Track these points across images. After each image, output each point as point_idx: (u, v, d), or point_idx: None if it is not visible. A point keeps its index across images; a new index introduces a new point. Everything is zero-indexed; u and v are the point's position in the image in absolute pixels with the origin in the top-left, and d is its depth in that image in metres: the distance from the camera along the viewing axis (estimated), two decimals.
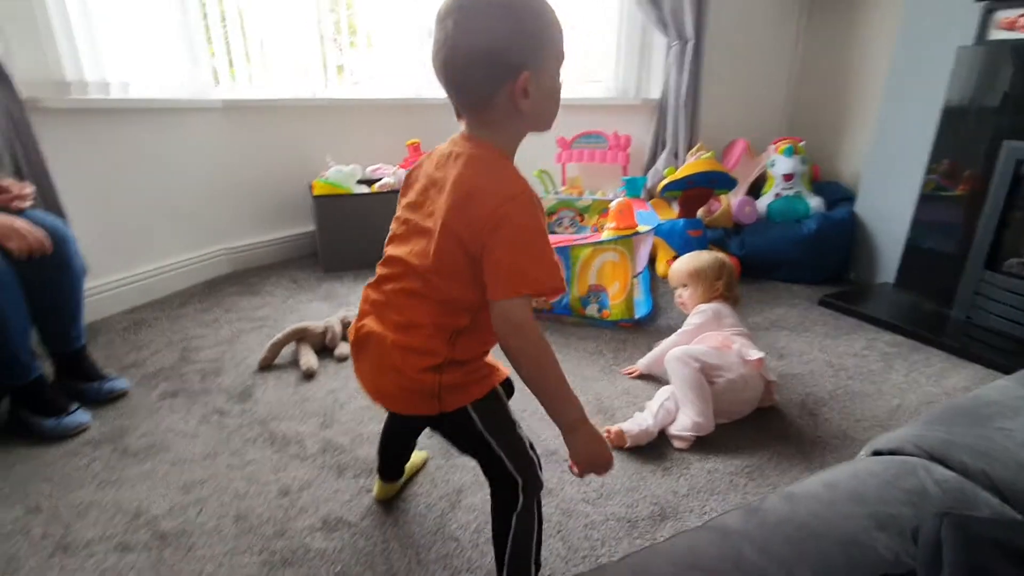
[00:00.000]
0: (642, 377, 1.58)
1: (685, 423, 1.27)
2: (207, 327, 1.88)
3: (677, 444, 1.27)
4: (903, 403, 1.48)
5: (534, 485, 0.82)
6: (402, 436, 1.07)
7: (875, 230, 2.29)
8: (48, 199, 1.68)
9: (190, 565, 0.95)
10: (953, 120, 1.94)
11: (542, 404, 0.72)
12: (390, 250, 0.80)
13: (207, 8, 2.24)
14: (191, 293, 2.18)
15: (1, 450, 1.24)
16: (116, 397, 1.45)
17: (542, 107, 0.72)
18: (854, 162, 2.66)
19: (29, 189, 1.34)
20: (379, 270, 0.81)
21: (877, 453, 0.66)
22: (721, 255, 1.57)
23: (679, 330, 1.51)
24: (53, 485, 1.14)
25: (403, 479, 1.13)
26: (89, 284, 1.83)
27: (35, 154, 1.66)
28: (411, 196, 0.79)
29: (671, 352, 1.36)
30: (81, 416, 1.33)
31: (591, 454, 0.72)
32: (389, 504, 1.09)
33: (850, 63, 2.65)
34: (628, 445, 1.25)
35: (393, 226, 0.82)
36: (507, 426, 0.77)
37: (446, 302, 0.73)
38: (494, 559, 0.85)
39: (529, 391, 0.73)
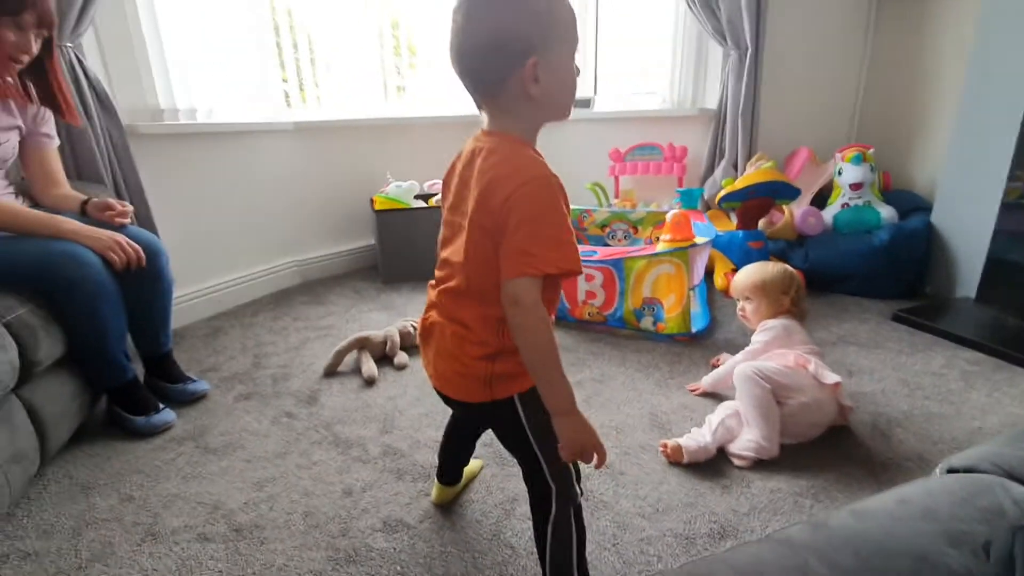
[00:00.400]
0: (704, 393, 1.54)
1: (748, 444, 1.23)
2: (277, 335, 2.00)
3: (737, 463, 1.23)
4: (984, 425, 1.37)
5: (568, 495, 0.82)
6: (462, 438, 1.10)
7: (953, 241, 2.14)
8: (143, 217, 1.85)
9: (263, 557, 1.01)
10: None
11: (537, 385, 0.73)
12: (441, 253, 0.83)
13: (280, 37, 2.41)
14: (263, 303, 2.32)
15: (100, 444, 1.37)
16: (198, 398, 1.56)
17: (554, 93, 0.73)
18: (929, 169, 2.51)
19: (130, 208, 1.49)
20: (436, 272, 0.85)
21: (952, 471, 0.63)
22: (788, 267, 1.50)
23: (746, 348, 1.44)
24: (144, 477, 1.25)
25: (460, 485, 1.16)
26: (175, 294, 1.99)
27: (133, 176, 1.84)
28: (450, 199, 0.82)
29: (740, 367, 1.30)
30: (168, 415, 1.44)
31: (577, 442, 0.73)
32: (446, 509, 1.12)
33: (923, 65, 2.52)
34: (685, 461, 1.22)
35: (442, 230, 0.85)
36: (549, 428, 0.76)
37: (484, 294, 0.74)
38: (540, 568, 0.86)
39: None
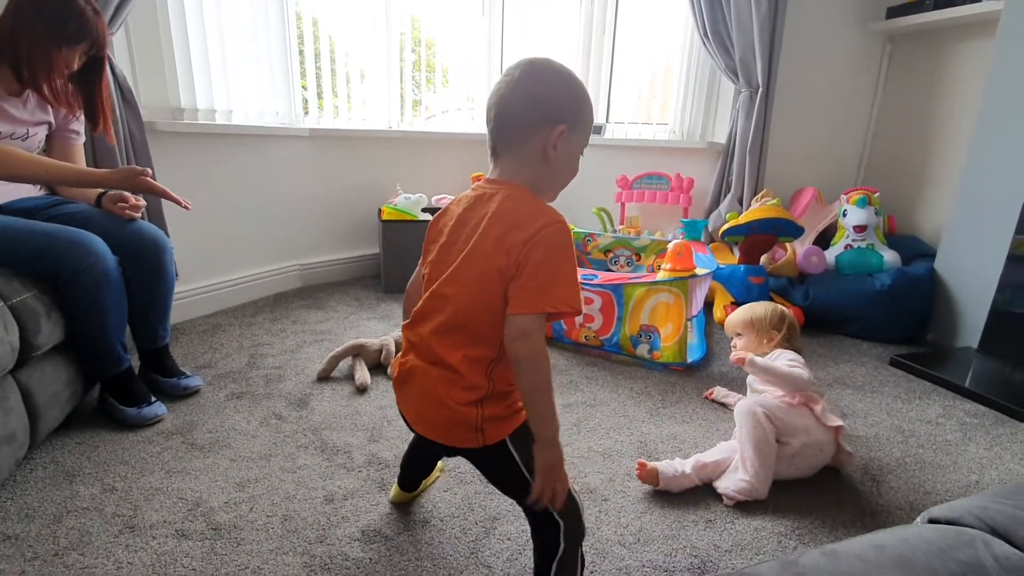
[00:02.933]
0: (691, 423, 1.53)
1: (740, 484, 1.20)
2: (275, 336, 2.01)
3: (725, 501, 1.21)
4: (982, 479, 1.35)
5: (576, 531, 0.82)
6: (429, 457, 1.13)
7: (957, 289, 2.14)
8: (155, 212, 1.88)
9: (238, 558, 1.00)
10: None
11: (529, 414, 0.76)
12: (428, 289, 0.82)
13: (303, 45, 2.47)
14: (264, 304, 2.34)
15: (89, 433, 1.37)
16: (190, 393, 1.57)
17: (563, 166, 0.82)
18: (935, 216, 2.52)
19: (142, 203, 1.52)
20: (417, 309, 0.83)
21: (934, 521, 0.62)
22: (782, 307, 1.50)
23: (791, 367, 1.30)
24: (128, 468, 1.25)
25: (419, 491, 1.19)
26: (177, 289, 2.01)
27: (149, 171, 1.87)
28: (442, 239, 0.83)
29: (744, 402, 1.27)
30: (159, 408, 1.45)
31: (553, 473, 0.75)
32: (426, 523, 1.11)
33: (933, 111, 2.54)
34: (659, 487, 1.21)
35: (425, 271, 0.85)
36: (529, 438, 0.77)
37: (480, 332, 0.77)
38: None
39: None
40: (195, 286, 2.16)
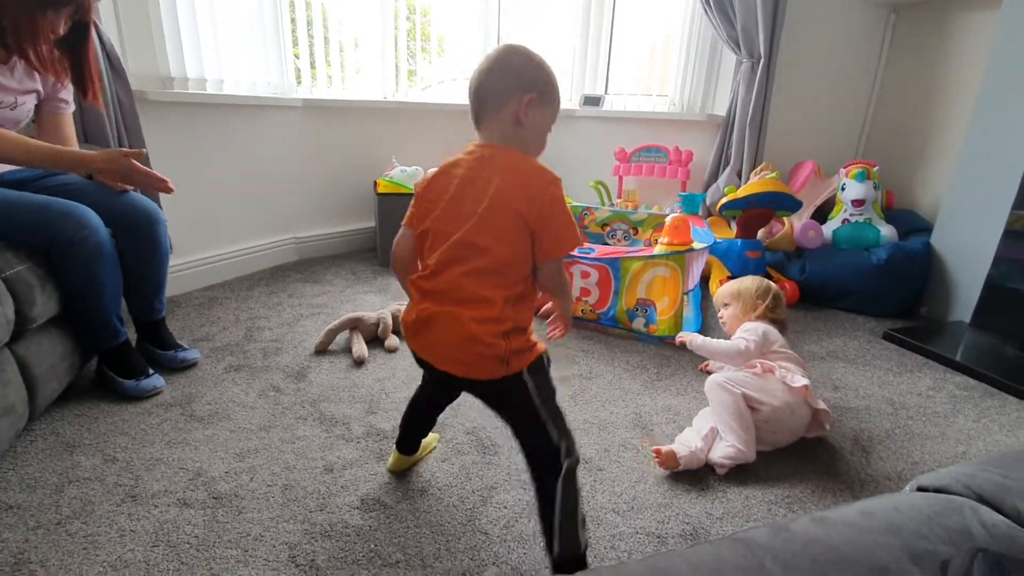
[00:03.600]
0: (686, 395, 1.55)
1: (727, 450, 1.23)
2: (271, 309, 2.01)
3: (718, 470, 1.23)
4: (969, 450, 1.38)
5: (573, 453, 0.91)
6: (430, 411, 1.16)
7: (952, 264, 2.15)
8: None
9: (240, 526, 1.02)
10: None
11: (564, 309, 1.00)
12: (440, 238, 0.89)
13: (295, 13, 2.40)
14: (259, 277, 2.33)
15: (88, 405, 1.38)
16: (188, 366, 1.57)
17: (533, 133, 0.94)
18: (933, 191, 2.51)
19: None
20: (432, 260, 0.90)
21: (922, 489, 0.63)
22: (767, 280, 1.56)
23: (735, 340, 1.43)
24: (129, 439, 1.26)
25: (417, 456, 1.20)
26: (173, 262, 2.00)
27: (139, 141, 1.84)
28: (447, 195, 0.91)
29: (710, 378, 1.33)
30: (157, 380, 1.45)
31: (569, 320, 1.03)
32: (424, 492, 1.13)
33: (936, 85, 2.51)
34: (681, 468, 1.22)
35: (428, 226, 0.92)
36: (551, 394, 0.92)
37: (506, 272, 0.87)
38: (544, 538, 0.89)
39: None
40: (190, 259, 2.15)
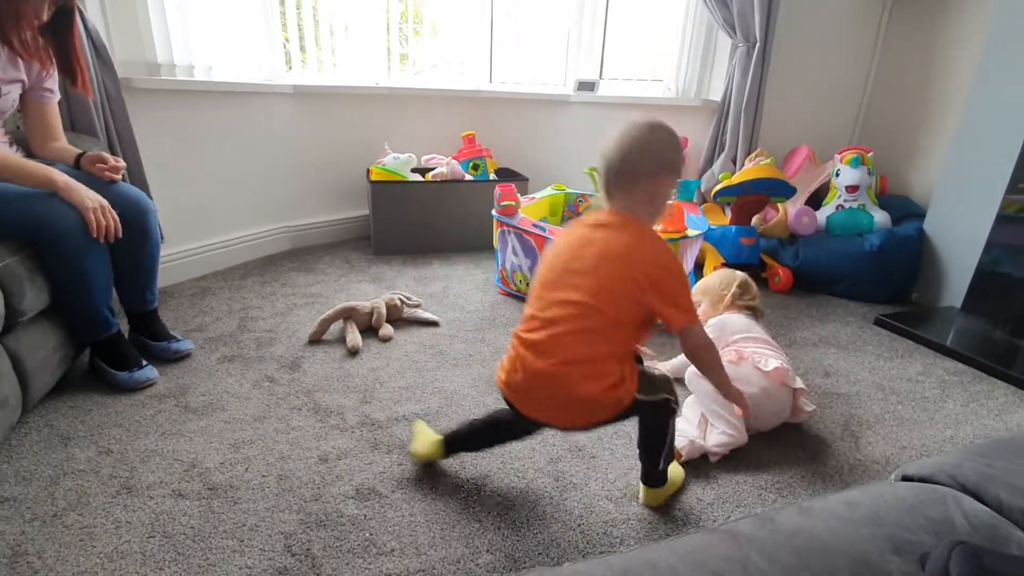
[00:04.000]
0: (680, 382, 1.56)
1: (719, 437, 1.25)
2: (265, 299, 2.00)
3: (712, 458, 1.24)
4: (957, 435, 1.40)
5: (674, 394, 1.04)
6: (512, 436, 1.16)
7: (944, 250, 2.16)
8: (135, 173, 1.83)
9: (235, 516, 1.03)
10: None
11: (713, 382, 1.06)
12: (548, 295, 0.97)
13: None
14: (252, 266, 2.32)
15: (81, 397, 1.38)
16: (181, 357, 1.57)
17: (659, 206, 1.00)
18: (927, 177, 2.51)
19: (122, 164, 1.47)
20: (537, 315, 0.96)
21: (907, 479, 0.64)
22: (734, 271, 1.59)
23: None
24: (123, 431, 1.26)
25: (446, 457, 1.18)
26: (164, 252, 1.98)
27: (126, 130, 1.81)
28: (566, 253, 0.99)
29: (689, 370, 1.34)
30: (150, 372, 1.45)
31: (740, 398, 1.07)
32: (418, 482, 1.14)
33: (931, 73, 2.49)
34: (683, 460, 1.22)
35: (547, 275, 0.99)
36: (647, 383, 0.99)
37: (617, 332, 0.94)
38: (643, 464, 1.08)
39: None
40: (181, 249, 2.13)
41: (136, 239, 1.44)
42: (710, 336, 1.40)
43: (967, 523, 0.54)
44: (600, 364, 0.92)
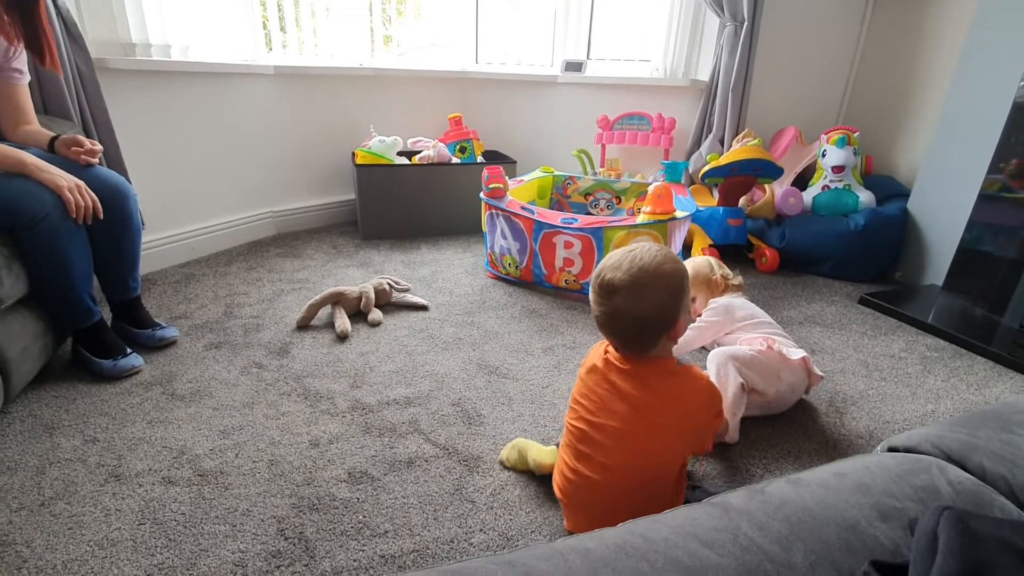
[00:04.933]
0: None
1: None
2: (251, 285, 1.97)
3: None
4: (938, 409, 1.43)
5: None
6: None
7: (928, 229, 2.19)
8: (112, 157, 1.79)
9: (227, 502, 1.03)
10: None
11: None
12: (583, 449, 0.93)
13: None
14: (237, 253, 2.29)
15: (65, 386, 1.35)
16: (166, 345, 1.55)
17: (683, 333, 0.92)
18: (912, 156, 2.53)
19: (99, 147, 1.43)
20: (572, 458, 0.95)
21: (893, 449, 0.65)
22: (700, 258, 1.61)
23: (693, 325, 1.47)
24: (109, 419, 1.24)
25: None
26: (146, 238, 1.95)
27: (101, 112, 1.76)
28: (599, 401, 0.92)
29: (718, 352, 1.28)
30: (135, 359, 1.43)
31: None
32: (410, 465, 1.14)
33: (917, 52, 2.50)
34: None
35: (580, 425, 0.94)
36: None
37: (660, 481, 0.92)
38: None
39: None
40: (164, 235, 2.09)
41: (116, 225, 1.41)
42: (713, 320, 1.44)
43: (952, 490, 0.55)
44: (649, 499, 0.91)
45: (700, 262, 1.59)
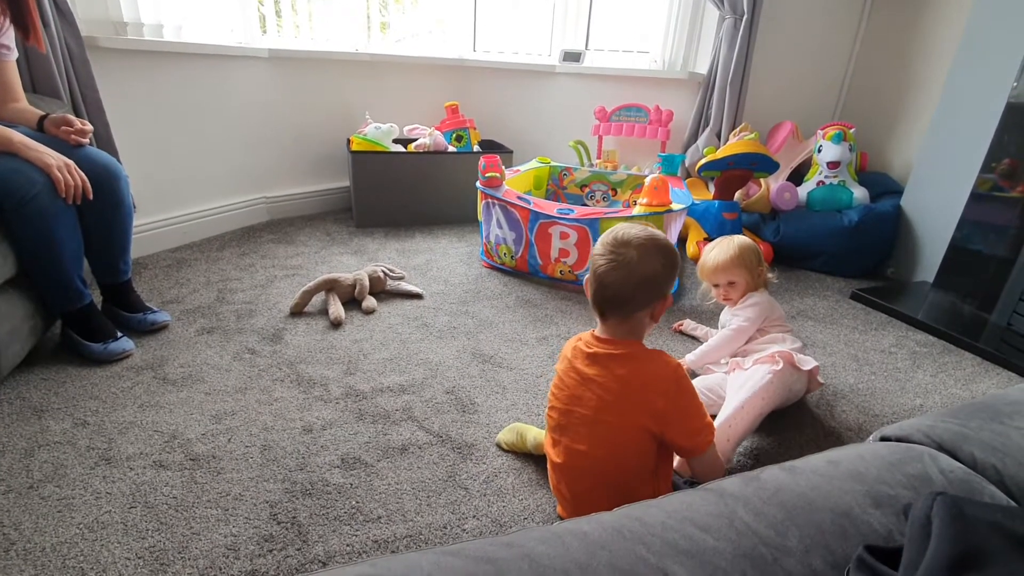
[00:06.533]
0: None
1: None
2: (243, 271, 1.96)
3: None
4: (926, 403, 1.45)
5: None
6: None
7: (920, 226, 2.20)
8: (102, 137, 1.75)
9: (219, 486, 1.02)
10: (1019, 116, 1.83)
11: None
12: (561, 438, 0.95)
13: None
14: (230, 238, 2.26)
15: (55, 368, 1.34)
16: (157, 329, 1.53)
17: (658, 316, 0.95)
18: (906, 153, 2.54)
19: (89, 127, 1.40)
20: (555, 451, 0.96)
21: (885, 439, 0.66)
22: (743, 239, 1.44)
23: (732, 327, 1.37)
24: (99, 403, 1.23)
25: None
26: (137, 222, 1.92)
27: (92, 92, 1.73)
28: (565, 393, 0.95)
29: (774, 375, 1.21)
30: (126, 343, 1.42)
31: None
32: (404, 451, 1.14)
33: (914, 50, 2.51)
34: None
35: (554, 415, 0.97)
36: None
37: (634, 466, 0.91)
38: None
39: None
40: (156, 219, 2.06)
41: (107, 206, 1.39)
42: (758, 316, 1.36)
43: (943, 478, 0.56)
44: (627, 487, 0.91)
45: (750, 244, 1.41)
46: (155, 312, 1.55)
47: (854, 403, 1.43)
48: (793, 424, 1.32)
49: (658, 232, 0.94)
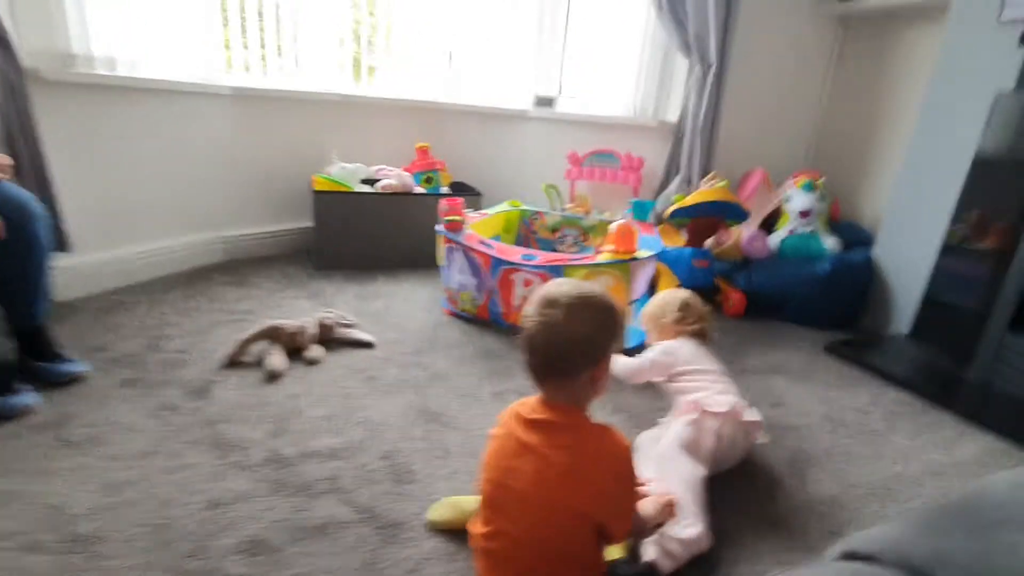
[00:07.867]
0: (626, 411, 1.47)
1: (688, 532, 1.00)
2: (185, 316, 1.83)
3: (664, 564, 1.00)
4: (904, 471, 1.35)
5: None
6: None
7: (892, 277, 2.16)
8: (37, 172, 1.66)
9: None
10: (986, 169, 1.81)
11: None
12: (491, 514, 0.85)
13: None
14: (178, 279, 2.14)
15: None
16: (72, 380, 1.39)
17: (605, 383, 0.86)
18: (876, 202, 2.53)
19: (7, 161, 1.31)
20: (486, 529, 0.85)
21: (850, 555, 0.55)
22: (678, 292, 1.48)
23: (642, 356, 1.38)
24: None
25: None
26: (72, 261, 1.81)
27: (28, 124, 1.64)
28: (502, 463, 0.85)
29: (659, 448, 1.17)
30: (27, 398, 1.28)
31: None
32: (322, 534, 1.00)
33: (881, 100, 2.53)
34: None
35: (488, 487, 0.87)
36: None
37: (568, 552, 0.82)
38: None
39: None
40: (94, 258, 1.94)
41: (19, 247, 1.28)
42: (658, 360, 1.34)
43: None
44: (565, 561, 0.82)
45: (660, 302, 1.47)
46: (70, 361, 1.41)
47: (828, 471, 1.32)
48: (760, 497, 1.20)
49: (593, 289, 0.86)
